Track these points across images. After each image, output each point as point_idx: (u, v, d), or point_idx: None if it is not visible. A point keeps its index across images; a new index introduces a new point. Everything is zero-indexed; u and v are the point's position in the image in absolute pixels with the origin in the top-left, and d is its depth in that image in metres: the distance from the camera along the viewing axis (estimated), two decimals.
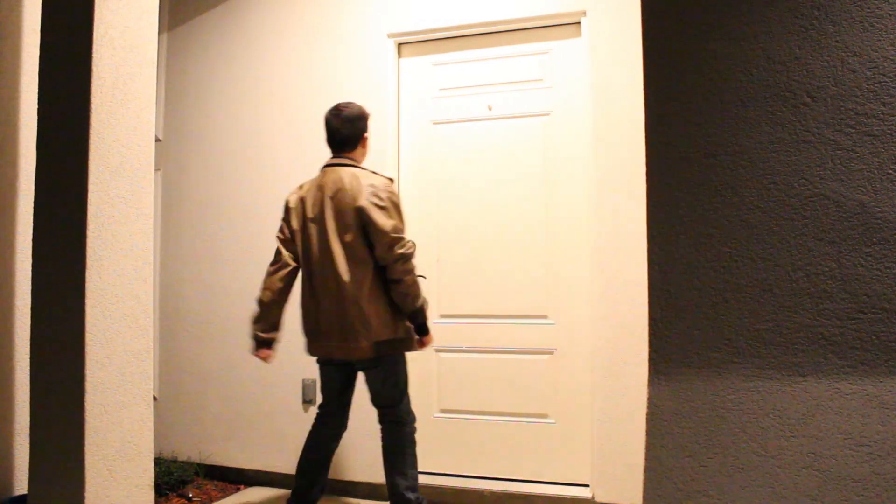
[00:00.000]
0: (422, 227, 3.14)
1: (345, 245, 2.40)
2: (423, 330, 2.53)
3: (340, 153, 2.55)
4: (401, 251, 2.38)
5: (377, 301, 2.41)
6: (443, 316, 3.13)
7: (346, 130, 2.53)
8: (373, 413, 3.05)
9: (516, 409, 3.05)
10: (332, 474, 3.08)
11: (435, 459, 3.12)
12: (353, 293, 2.39)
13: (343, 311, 2.40)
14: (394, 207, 2.43)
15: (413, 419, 2.60)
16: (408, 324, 2.50)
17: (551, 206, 3.05)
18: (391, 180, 2.50)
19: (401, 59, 3.25)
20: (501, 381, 3.06)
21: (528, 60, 3.09)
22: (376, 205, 2.39)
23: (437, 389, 3.14)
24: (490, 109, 3.12)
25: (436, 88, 3.22)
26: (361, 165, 2.56)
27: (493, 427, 3.06)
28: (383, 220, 2.37)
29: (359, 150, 2.58)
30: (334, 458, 3.08)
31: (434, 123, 3.21)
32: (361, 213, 2.38)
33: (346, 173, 2.46)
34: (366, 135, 2.59)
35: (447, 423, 3.12)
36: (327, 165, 2.53)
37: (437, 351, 3.13)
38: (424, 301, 2.49)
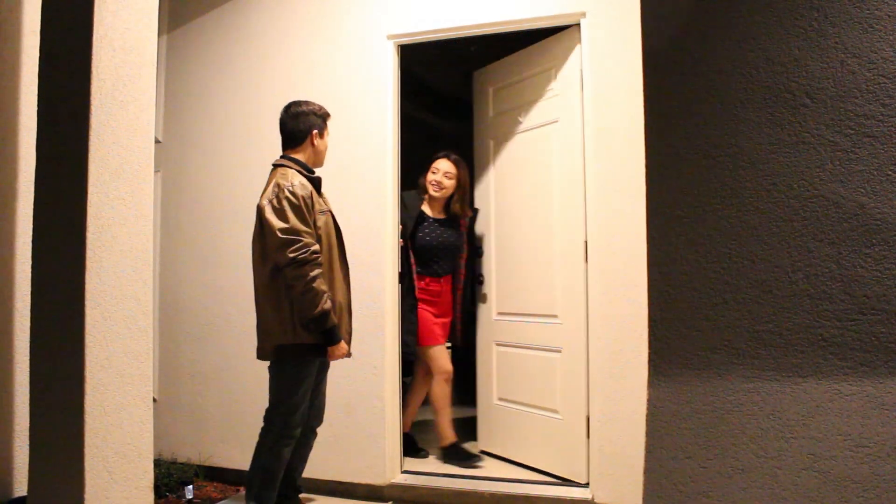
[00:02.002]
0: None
1: (254, 246, 2.46)
2: (327, 340, 2.39)
3: (284, 150, 2.56)
4: (292, 255, 2.28)
5: (278, 304, 2.38)
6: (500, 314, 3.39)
7: (289, 125, 2.53)
8: (372, 415, 3.05)
9: (532, 401, 3.21)
10: (331, 476, 3.09)
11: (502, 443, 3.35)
12: (259, 295, 2.45)
13: (257, 311, 2.49)
14: (290, 208, 2.32)
15: (282, 433, 2.44)
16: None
17: (554, 206, 3.06)
18: (292, 185, 2.37)
19: None
20: (522, 374, 3.26)
21: (545, 73, 3.18)
22: (271, 203, 2.35)
23: (495, 380, 3.39)
24: (520, 123, 3.32)
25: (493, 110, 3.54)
26: (296, 166, 2.48)
27: (515, 415, 3.28)
28: (273, 220, 2.31)
29: (306, 148, 2.53)
30: (333, 459, 3.08)
31: (491, 139, 3.48)
32: (258, 213, 2.40)
33: (276, 173, 2.46)
34: (314, 132, 2.52)
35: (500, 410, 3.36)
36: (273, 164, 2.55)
37: (499, 345, 3.40)
38: (324, 311, 2.33)
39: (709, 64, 1.37)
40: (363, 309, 3.08)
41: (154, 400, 2.36)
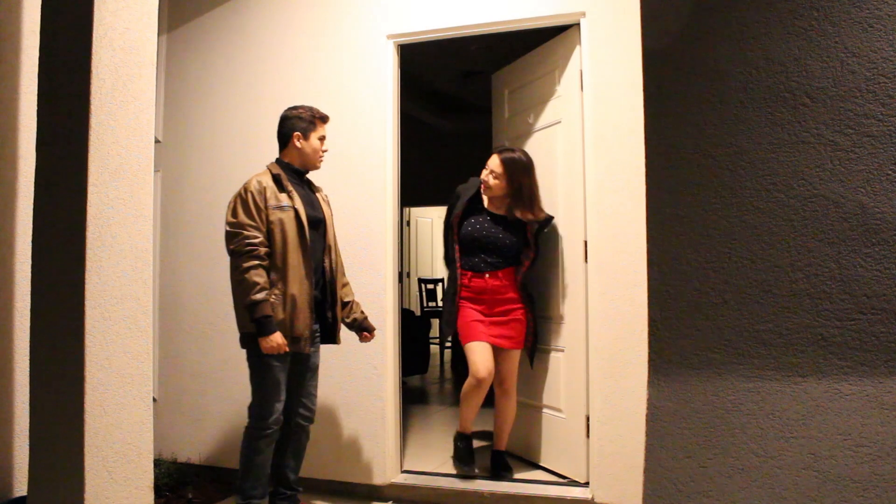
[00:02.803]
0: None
1: None
2: (259, 330, 2.41)
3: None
4: (231, 247, 2.45)
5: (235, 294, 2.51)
6: None
7: (278, 130, 2.67)
8: (372, 415, 3.05)
9: (538, 400, 3.22)
10: (331, 476, 3.09)
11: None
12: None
13: None
14: (240, 203, 2.47)
15: (255, 425, 2.51)
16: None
17: (554, 206, 3.07)
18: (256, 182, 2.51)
19: None
20: (528, 372, 3.23)
21: (550, 75, 3.18)
22: (230, 202, 2.52)
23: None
24: (531, 123, 3.31)
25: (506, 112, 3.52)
26: (277, 167, 2.60)
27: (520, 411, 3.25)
28: (226, 215, 2.50)
29: (290, 150, 2.64)
30: (333, 460, 3.08)
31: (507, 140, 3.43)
32: None
33: None
34: (296, 134, 2.60)
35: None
36: None
37: None
38: (252, 301, 2.38)
39: (709, 64, 1.37)
40: (364, 308, 3.08)
41: (154, 400, 2.36)
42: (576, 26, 2.93)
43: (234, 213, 2.47)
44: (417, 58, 3.85)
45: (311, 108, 2.65)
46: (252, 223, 2.44)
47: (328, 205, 2.78)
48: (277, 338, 2.42)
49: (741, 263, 1.33)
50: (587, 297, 2.84)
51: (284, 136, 2.64)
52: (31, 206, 2.06)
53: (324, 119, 2.68)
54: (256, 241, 2.43)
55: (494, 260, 3.07)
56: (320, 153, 2.67)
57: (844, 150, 1.27)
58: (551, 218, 3.09)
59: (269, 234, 2.47)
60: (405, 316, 4.49)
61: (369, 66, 3.16)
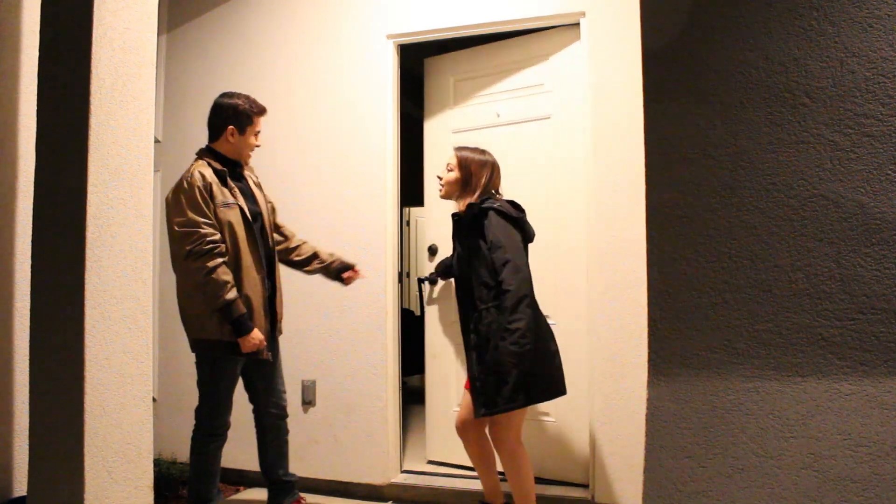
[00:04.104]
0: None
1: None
2: (238, 330, 2.33)
3: (208, 140, 2.55)
4: (188, 247, 2.28)
5: (190, 298, 2.37)
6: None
7: (210, 115, 2.53)
8: (372, 415, 3.05)
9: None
10: (331, 475, 3.09)
11: (443, 451, 3.13)
12: (177, 289, 2.42)
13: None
14: (185, 200, 2.30)
15: (205, 431, 2.46)
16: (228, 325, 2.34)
17: (553, 206, 3.06)
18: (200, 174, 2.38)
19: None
20: None
21: (531, 67, 3.11)
22: (168, 198, 2.39)
23: (457, 385, 3.16)
24: (498, 116, 3.15)
25: (452, 101, 3.32)
26: (210, 156, 2.49)
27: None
28: (171, 215, 2.34)
29: (222, 141, 2.50)
30: (333, 459, 3.09)
31: (453, 132, 3.27)
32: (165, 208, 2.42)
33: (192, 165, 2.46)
34: (230, 128, 2.47)
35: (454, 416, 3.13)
36: None
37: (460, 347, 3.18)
38: (227, 301, 2.29)
39: (709, 64, 1.37)
40: (363, 309, 3.08)
41: (154, 400, 2.36)
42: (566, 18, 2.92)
43: (181, 212, 2.30)
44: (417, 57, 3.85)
45: (249, 100, 2.51)
46: (205, 220, 2.31)
47: (260, 188, 2.64)
48: (257, 334, 2.35)
49: (741, 263, 1.33)
50: (587, 297, 2.84)
51: (214, 126, 2.50)
52: (31, 206, 2.06)
53: (261, 112, 2.55)
54: (216, 238, 2.31)
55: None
56: (252, 148, 2.56)
57: (844, 150, 1.27)
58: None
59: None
60: (405, 316, 4.48)
61: (369, 66, 3.16)
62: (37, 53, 2.09)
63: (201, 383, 2.47)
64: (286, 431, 2.70)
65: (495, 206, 2.35)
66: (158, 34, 2.34)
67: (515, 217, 2.37)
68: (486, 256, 2.32)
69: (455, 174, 2.48)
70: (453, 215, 2.52)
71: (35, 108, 2.07)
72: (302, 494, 2.79)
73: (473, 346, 2.35)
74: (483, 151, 2.53)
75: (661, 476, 1.36)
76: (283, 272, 2.69)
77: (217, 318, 2.32)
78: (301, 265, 2.73)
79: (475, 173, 2.45)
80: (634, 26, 1.58)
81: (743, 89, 1.34)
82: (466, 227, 2.40)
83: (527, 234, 2.42)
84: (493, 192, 2.49)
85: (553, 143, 3.03)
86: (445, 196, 2.53)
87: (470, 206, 2.39)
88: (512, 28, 3.03)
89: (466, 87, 3.31)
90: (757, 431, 1.30)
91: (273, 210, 2.68)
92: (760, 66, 1.33)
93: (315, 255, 2.71)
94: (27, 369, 2.14)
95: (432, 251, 3.24)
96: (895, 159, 1.24)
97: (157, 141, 3.36)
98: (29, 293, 2.08)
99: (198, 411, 2.49)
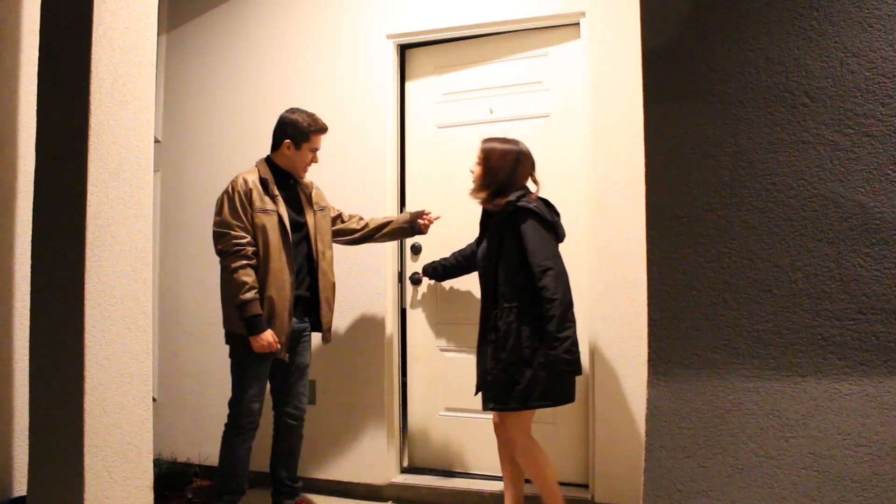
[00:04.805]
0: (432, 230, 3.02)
1: None
2: (249, 329, 2.42)
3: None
4: (219, 246, 2.47)
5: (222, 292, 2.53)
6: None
7: (274, 128, 2.66)
8: (372, 415, 3.05)
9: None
10: (331, 475, 3.09)
11: (441, 457, 3.13)
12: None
13: None
14: (227, 202, 2.49)
15: (229, 422, 2.54)
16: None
17: (557, 206, 3.05)
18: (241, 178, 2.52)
19: (407, 69, 3.26)
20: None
21: (527, 63, 3.09)
22: (218, 198, 2.54)
23: (442, 388, 3.14)
24: (491, 112, 3.12)
25: (439, 93, 3.22)
26: (265, 165, 2.61)
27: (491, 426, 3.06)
28: (215, 214, 2.52)
29: (279, 153, 2.63)
30: (333, 459, 3.09)
31: (439, 128, 3.21)
32: None
33: None
34: (286, 142, 2.58)
35: (452, 422, 3.12)
36: None
37: (443, 351, 3.13)
38: (242, 301, 2.39)
39: (709, 64, 1.37)
40: (363, 309, 3.09)
41: (154, 400, 2.36)
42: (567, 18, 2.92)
43: (220, 212, 2.48)
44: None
45: (310, 118, 2.60)
46: (238, 223, 2.46)
47: (321, 196, 2.76)
48: (268, 336, 2.43)
49: (740, 263, 1.33)
50: (587, 297, 2.84)
51: (277, 139, 2.63)
52: (31, 207, 2.06)
53: (321, 130, 2.63)
54: (244, 241, 2.44)
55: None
56: (308, 165, 2.66)
57: (844, 150, 1.27)
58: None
59: (252, 237, 2.48)
60: (405, 316, 4.47)
61: (369, 66, 3.16)
62: (37, 53, 2.10)
63: (232, 372, 2.57)
64: (300, 436, 2.72)
65: (531, 206, 2.33)
66: (158, 34, 2.34)
67: (550, 221, 2.37)
68: (516, 256, 2.31)
69: (479, 168, 2.44)
70: (484, 208, 2.49)
71: (35, 108, 2.08)
72: (303, 495, 2.79)
73: (491, 342, 2.35)
74: (508, 140, 2.46)
75: (661, 476, 1.36)
76: None
77: (237, 315, 2.44)
78: (378, 231, 2.83)
79: (496, 167, 2.40)
80: (634, 26, 1.58)
81: (743, 89, 1.34)
82: (498, 223, 2.36)
83: (559, 236, 2.44)
84: (525, 184, 2.46)
85: (552, 141, 3.03)
86: (474, 192, 2.46)
87: (507, 203, 2.34)
88: (512, 28, 3.03)
89: (456, 80, 3.21)
90: (757, 431, 1.30)
91: (339, 217, 2.84)
92: (760, 66, 1.33)
93: (388, 222, 2.85)
94: (27, 369, 2.14)
95: (415, 250, 3.23)
96: (895, 159, 1.24)
97: (156, 141, 3.36)
98: (29, 293, 2.09)
99: (229, 402, 2.57)
